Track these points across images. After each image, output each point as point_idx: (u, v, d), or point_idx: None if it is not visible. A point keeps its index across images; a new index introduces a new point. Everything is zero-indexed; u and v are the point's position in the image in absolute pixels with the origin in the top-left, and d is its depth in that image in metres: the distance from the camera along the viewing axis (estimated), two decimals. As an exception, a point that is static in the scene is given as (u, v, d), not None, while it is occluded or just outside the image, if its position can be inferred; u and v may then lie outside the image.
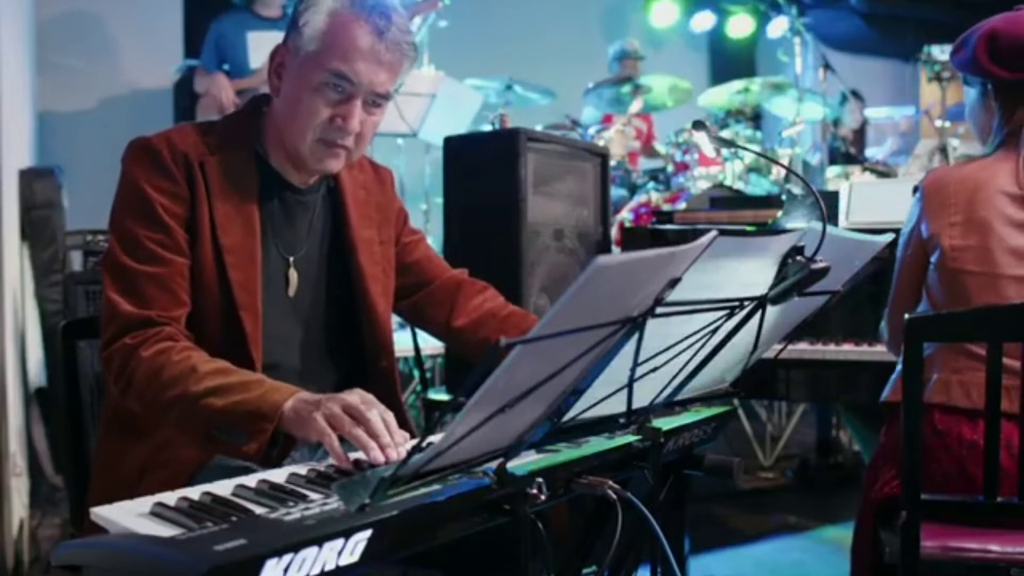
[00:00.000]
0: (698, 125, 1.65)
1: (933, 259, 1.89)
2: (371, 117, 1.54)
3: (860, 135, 6.37)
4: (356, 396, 1.27)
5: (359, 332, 1.64)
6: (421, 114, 4.36)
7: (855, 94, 6.16)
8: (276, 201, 1.58)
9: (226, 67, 4.27)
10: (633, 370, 1.14)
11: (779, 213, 2.97)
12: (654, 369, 1.19)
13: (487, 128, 3.12)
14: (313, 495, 1.06)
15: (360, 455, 1.22)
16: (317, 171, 1.57)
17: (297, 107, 1.50)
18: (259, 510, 1.00)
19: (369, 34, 1.47)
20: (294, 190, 1.60)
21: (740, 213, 3.37)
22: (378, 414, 1.24)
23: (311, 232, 1.62)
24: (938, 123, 5.32)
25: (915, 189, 1.96)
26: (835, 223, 2.81)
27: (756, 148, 4.74)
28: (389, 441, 1.22)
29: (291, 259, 1.59)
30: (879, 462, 1.92)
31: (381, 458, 1.20)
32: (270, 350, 1.54)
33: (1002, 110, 1.91)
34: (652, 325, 1.04)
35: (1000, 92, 1.91)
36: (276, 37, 1.61)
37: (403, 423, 1.64)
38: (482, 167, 2.62)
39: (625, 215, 4.45)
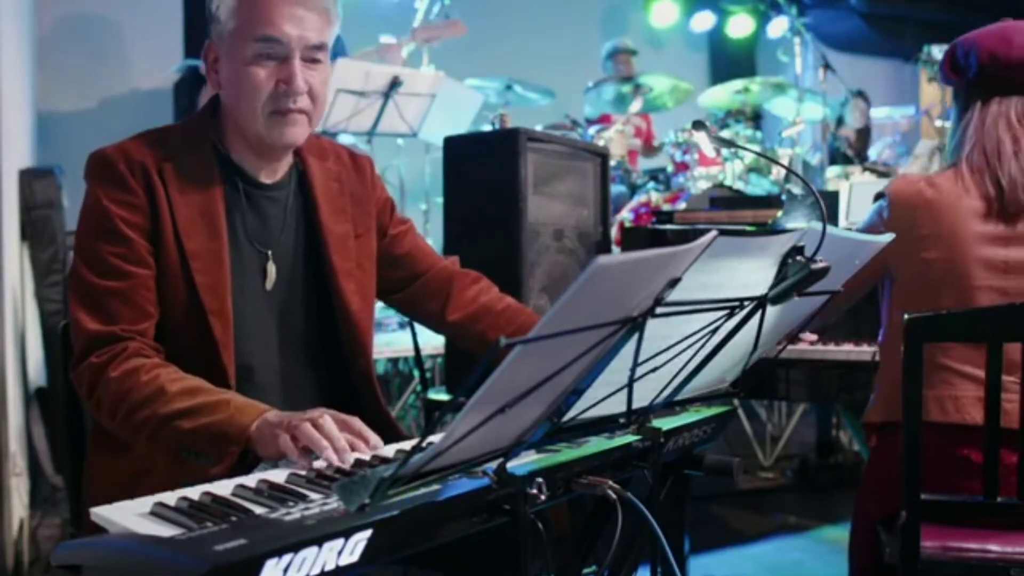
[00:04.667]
0: (698, 125, 1.64)
1: (897, 272, 1.88)
2: (315, 73, 1.52)
3: (865, 136, 6.34)
4: (318, 410, 1.28)
5: (336, 330, 1.63)
6: (421, 114, 4.36)
7: (861, 94, 6.14)
8: (243, 198, 1.56)
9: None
10: (633, 370, 1.14)
11: (779, 213, 2.97)
12: (654, 369, 1.19)
13: (487, 128, 3.12)
14: (313, 495, 1.06)
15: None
16: (281, 146, 1.55)
17: (240, 87, 1.49)
18: (259, 510, 1.00)
19: None
20: (262, 187, 1.59)
21: (740, 213, 3.36)
22: (332, 418, 1.26)
23: (285, 227, 1.60)
24: (938, 123, 5.31)
25: (877, 196, 1.94)
26: (835, 223, 2.81)
27: (756, 148, 4.74)
28: (344, 446, 1.23)
29: (269, 252, 1.58)
30: (868, 485, 1.93)
31: (334, 457, 1.21)
32: (248, 351, 1.53)
33: (957, 114, 1.94)
34: (652, 325, 1.04)
35: (956, 96, 1.95)
36: None
37: (386, 424, 1.64)
38: (482, 167, 2.61)
39: (625, 215, 4.45)
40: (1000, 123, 1.84)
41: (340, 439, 1.23)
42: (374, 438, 1.27)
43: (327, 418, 1.26)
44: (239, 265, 1.54)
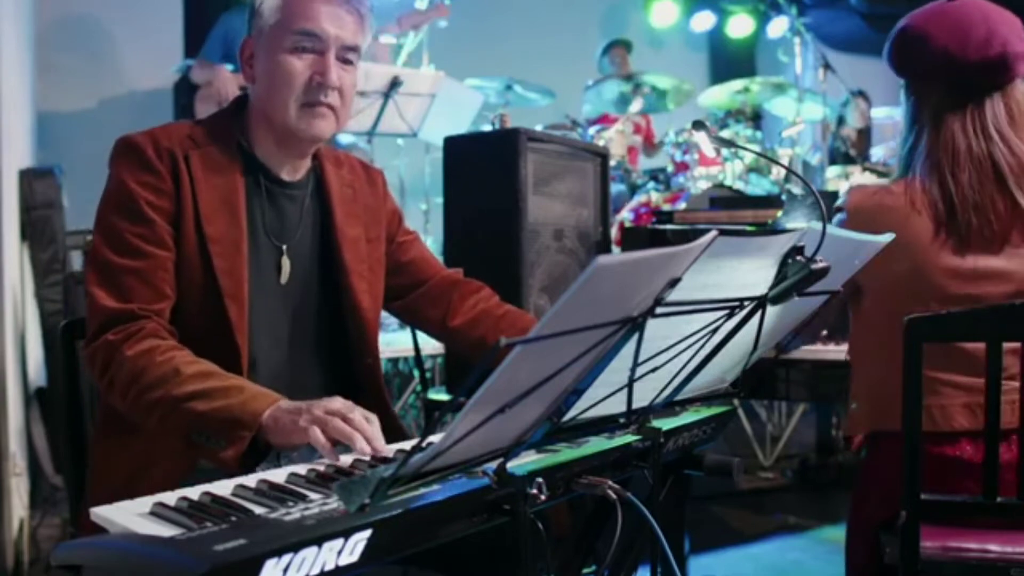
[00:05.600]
0: (698, 125, 1.65)
1: (865, 284, 1.85)
2: (347, 74, 1.57)
3: (866, 136, 6.33)
4: (338, 402, 1.29)
5: (345, 328, 1.65)
6: (421, 114, 4.36)
7: (862, 94, 6.13)
8: (264, 193, 1.60)
9: (229, 67, 4.26)
10: (633, 370, 1.14)
11: (779, 213, 2.98)
12: (654, 369, 1.19)
13: (487, 128, 3.12)
14: (313, 495, 1.06)
15: (351, 455, 1.23)
16: (308, 139, 1.58)
17: (274, 77, 1.53)
18: (259, 510, 1.00)
19: None
20: (282, 184, 1.62)
21: (740, 213, 3.36)
22: (361, 414, 1.27)
23: (301, 225, 1.64)
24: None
25: (836, 209, 1.89)
26: (835, 223, 2.81)
27: (756, 148, 4.74)
28: (374, 434, 1.25)
29: (284, 247, 1.61)
30: (863, 493, 1.93)
31: (368, 448, 1.23)
32: (258, 342, 1.55)
33: (911, 113, 1.89)
34: (652, 325, 1.04)
35: (907, 90, 1.90)
36: None
37: (391, 424, 1.66)
38: (482, 167, 2.61)
39: (625, 215, 4.45)
40: (957, 134, 1.78)
41: (368, 428, 1.25)
42: (382, 446, 1.26)
43: (357, 413, 1.27)
44: (255, 255, 1.56)
